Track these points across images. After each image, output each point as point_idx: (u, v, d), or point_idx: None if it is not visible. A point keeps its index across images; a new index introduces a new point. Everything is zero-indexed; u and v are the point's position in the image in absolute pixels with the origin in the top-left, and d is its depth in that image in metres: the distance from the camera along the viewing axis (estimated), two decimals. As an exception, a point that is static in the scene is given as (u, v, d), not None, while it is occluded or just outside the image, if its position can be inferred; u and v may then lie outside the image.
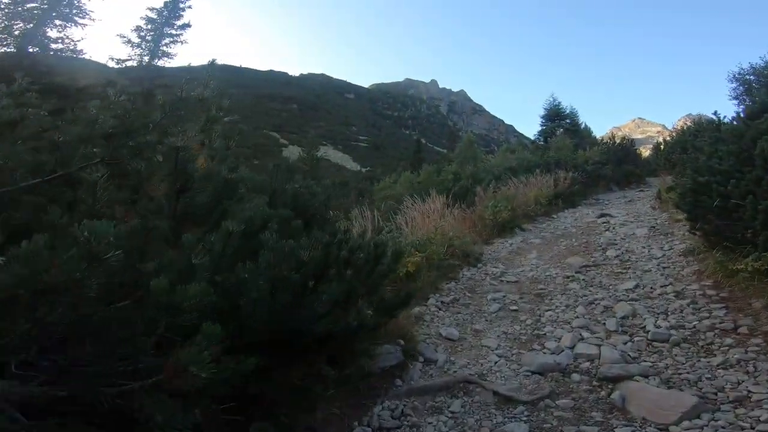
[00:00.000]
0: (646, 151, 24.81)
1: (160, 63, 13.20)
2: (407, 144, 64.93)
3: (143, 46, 12.75)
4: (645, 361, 3.03)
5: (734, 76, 14.33)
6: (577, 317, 3.85)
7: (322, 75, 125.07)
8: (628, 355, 3.14)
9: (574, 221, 8.71)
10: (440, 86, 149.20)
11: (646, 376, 2.81)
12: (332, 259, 1.93)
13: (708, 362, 2.92)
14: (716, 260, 4.26)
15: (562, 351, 3.24)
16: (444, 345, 3.40)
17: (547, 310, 4.01)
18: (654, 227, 7.47)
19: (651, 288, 4.47)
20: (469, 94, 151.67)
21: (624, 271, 5.09)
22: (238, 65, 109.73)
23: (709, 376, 2.76)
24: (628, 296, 4.29)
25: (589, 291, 4.45)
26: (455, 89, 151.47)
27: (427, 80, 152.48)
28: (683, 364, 2.95)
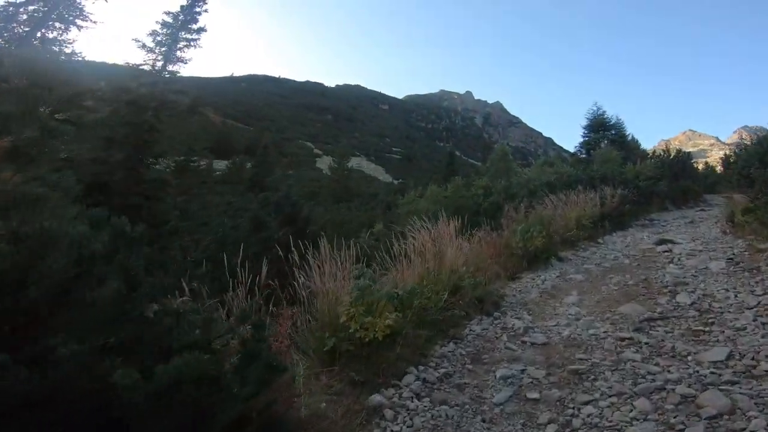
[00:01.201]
0: (698, 165, 22.46)
1: (174, 68, 12.75)
2: (441, 156, 63.71)
3: (156, 51, 12.37)
4: None
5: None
6: (636, 419, 2.38)
7: (357, 86, 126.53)
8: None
9: (626, 248, 7.07)
10: (475, 97, 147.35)
11: None
12: None
13: None
14: None
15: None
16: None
17: (586, 403, 2.51)
18: (732, 259, 5.91)
19: (753, 359, 2.96)
20: (505, 106, 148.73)
21: (706, 328, 3.53)
22: (278, 76, 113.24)
23: None
24: (719, 376, 2.78)
25: (656, 365, 2.92)
26: (491, 101, 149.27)
27: (461, 91, 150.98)
28: None
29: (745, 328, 3.48)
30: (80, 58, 10.70)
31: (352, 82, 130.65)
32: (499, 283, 4.62)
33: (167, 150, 17.04)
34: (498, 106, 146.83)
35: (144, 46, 12.72)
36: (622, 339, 3.26)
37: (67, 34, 10.35)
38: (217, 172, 35.54)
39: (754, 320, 3.61)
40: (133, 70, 12.54)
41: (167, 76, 13.67)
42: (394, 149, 76.95)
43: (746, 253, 6.14)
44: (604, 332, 3.42)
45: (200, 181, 16.27)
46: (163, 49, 12.95)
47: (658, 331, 3.49)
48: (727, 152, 16.06)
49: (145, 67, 13.03)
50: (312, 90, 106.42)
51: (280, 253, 2.94)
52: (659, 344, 3.23)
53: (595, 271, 5.46)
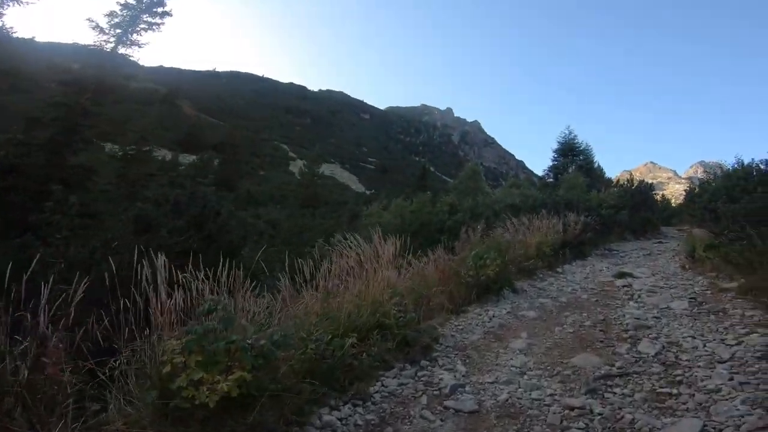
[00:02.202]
0: (656, 197, 23.02)
1: (127, 51, 11.60)
2: (415, 170, 63.56)
3: (110, 32, 11.22)
4: None
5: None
6: None
7: (340, 92, 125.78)
8: None
9: (585, 280, 6.61)
10: (455, 115, 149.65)
11: None
12: None
13: None
14: None
15: None
16: None
17: None
18: (695, 299, 5.57)
19: (731, 439, 2.38)
20: (483, 126, 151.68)
21: (673, 390, 2.92)
22: (261, 75, 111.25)
23: None
24: (688, 465, 2.16)
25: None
26: (470, 119, 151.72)
27: (443, 107, 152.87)
28: None
29: (719, 390, 2.88)
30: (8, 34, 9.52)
31: (336, 88, 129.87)
32: (439, 318, 3.90)
33: (113, 137, 15.59)
34: (476, 125, 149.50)
35: (97, 26, 11.54)
36: (571, 408, 2.57)
37: (2, 9, 9.19)
38: (182, 167, 33.74)
39: (730, 379, 3.03)
40: (82, 49, 11.40)
41: (147, 66, 12.52)
42: (369, 159, 76.43)
43: (708, 292, 5.82)
44: (551, 395, 2.73)
45: (148, 173, 14.94)
46: (118, 31, 11.80)
47: (615, 393, 2.85)
48: (691, 185, 16.23)
49: (94, 48, 11.86)
50: (294, 92, 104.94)
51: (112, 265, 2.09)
52: (615, 415, 2.57)
53: (550, 307, 4.86)
